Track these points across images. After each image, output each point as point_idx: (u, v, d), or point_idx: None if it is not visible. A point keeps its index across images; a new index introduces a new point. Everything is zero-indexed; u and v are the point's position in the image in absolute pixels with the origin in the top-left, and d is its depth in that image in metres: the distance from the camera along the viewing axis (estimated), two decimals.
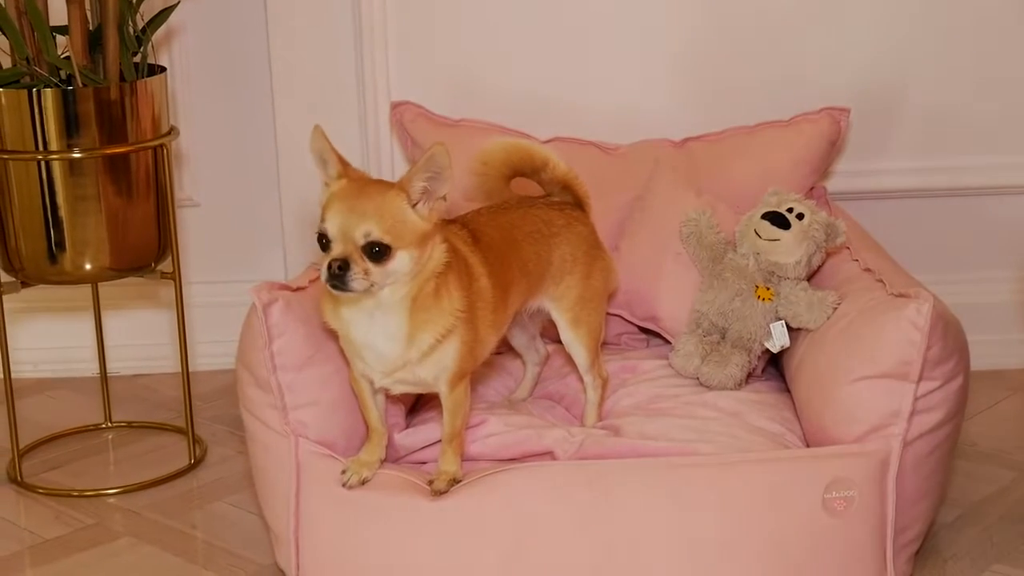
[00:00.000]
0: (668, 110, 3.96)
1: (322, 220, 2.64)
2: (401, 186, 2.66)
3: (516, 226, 3.07)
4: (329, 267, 2.59)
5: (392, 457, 2.98)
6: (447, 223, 2.95)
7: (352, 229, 2.60)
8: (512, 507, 2.80)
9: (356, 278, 2.58)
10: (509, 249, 3.00)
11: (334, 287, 2.60)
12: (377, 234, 2.60)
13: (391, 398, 2.98)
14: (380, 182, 2.75)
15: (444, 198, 2.69)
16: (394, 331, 2.72)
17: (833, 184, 3.95)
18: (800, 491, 2.76)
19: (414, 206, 2.66)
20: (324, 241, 2.62)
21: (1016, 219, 4.05)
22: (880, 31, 3.95)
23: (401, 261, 2.63)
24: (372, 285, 2.61)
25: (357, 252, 2.59)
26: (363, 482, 2.85)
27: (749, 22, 3.96)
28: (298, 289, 3.00)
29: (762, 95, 3.94)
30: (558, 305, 3.15)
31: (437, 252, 2.72)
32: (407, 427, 3.13)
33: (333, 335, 2.86)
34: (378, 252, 2.60)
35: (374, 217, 2.61)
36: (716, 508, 2.77)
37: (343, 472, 2.86)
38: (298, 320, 2.91)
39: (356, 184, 2.69)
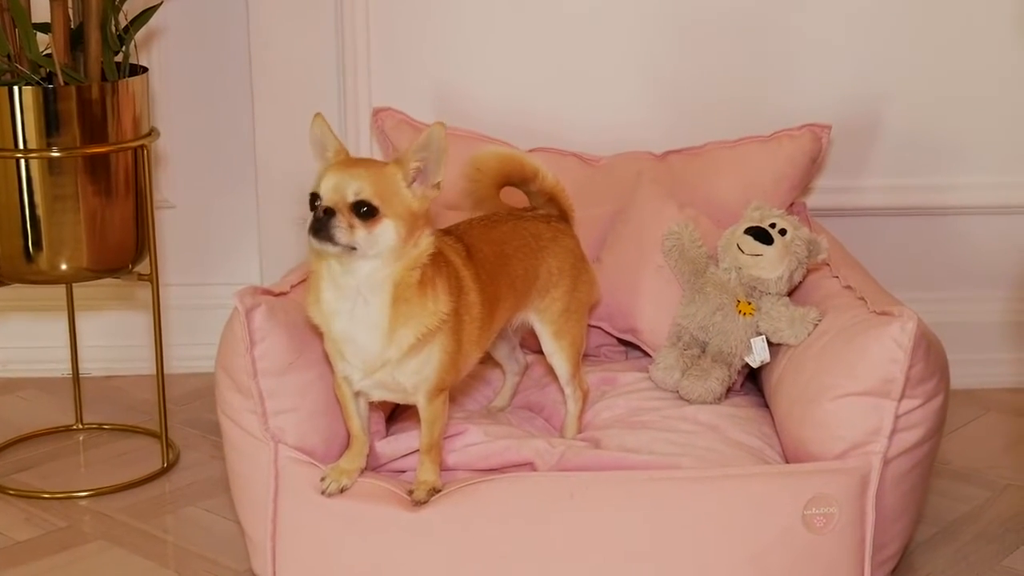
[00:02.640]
0: (649, 123, 3.97)
1: (316, 184, 2.67)
2: (397, 162, 2.70)
3: (507, 241, 3.07)
4: (315, 212, 2.61)
5: (371, 464, 2.97)
6: (442, 233, 2.95)
7: (344, 187, 2.63)
8: (492, 518, 2.79)
9: (340, 227, 2.60)
10: (500, 265, 3.01)
11: (317, 235, 2.61)
12: (367, 194, 2.62)
13: (372, 405, 2.96)
14: (378, 159, 2.78)
15: (438, 187, 2.70)
16: (376, 320, 2.70)
17: (813, 200, 3.97)
18: (780, 506, 2.77)
19: (409, 185, 2.68)
20: (316, 202, 2.64)
21: (994, 239, 4.07)
22: (862, 49, 3.97)
23: (387, 230, 2.64)
24: (354, 247, 2.62)
25: (346, 207, 2.62)
26: (342, 490, 2.84)
27: (732, 37, 3.97)
28: (280, 294, 2.99)
29: (744, 110, 3.95)
30: (542, 317, 3.15)
31: (424, 242, 2.72)
32: (387, 434, 3.12)
33: (317, 337, 2.85)
34: (366, 212, 2.62)
35: (367, 179, 2.64)
36: (696, 522, 2.77)
37: (322, 479, 2.84)
38: (280, 325, 2.89)
39: (354, 157, 2.75)
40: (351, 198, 2.62)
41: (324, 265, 2.71)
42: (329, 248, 2.62)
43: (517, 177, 3.21)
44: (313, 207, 2.64)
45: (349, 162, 2.71)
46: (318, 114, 2.76)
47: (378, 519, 2.81)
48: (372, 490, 2.85)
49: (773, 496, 2.77)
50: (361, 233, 2.62)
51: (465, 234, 3.00)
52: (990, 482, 3.53)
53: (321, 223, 2.60)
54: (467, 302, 2.86)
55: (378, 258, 2.66)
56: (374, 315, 2.70)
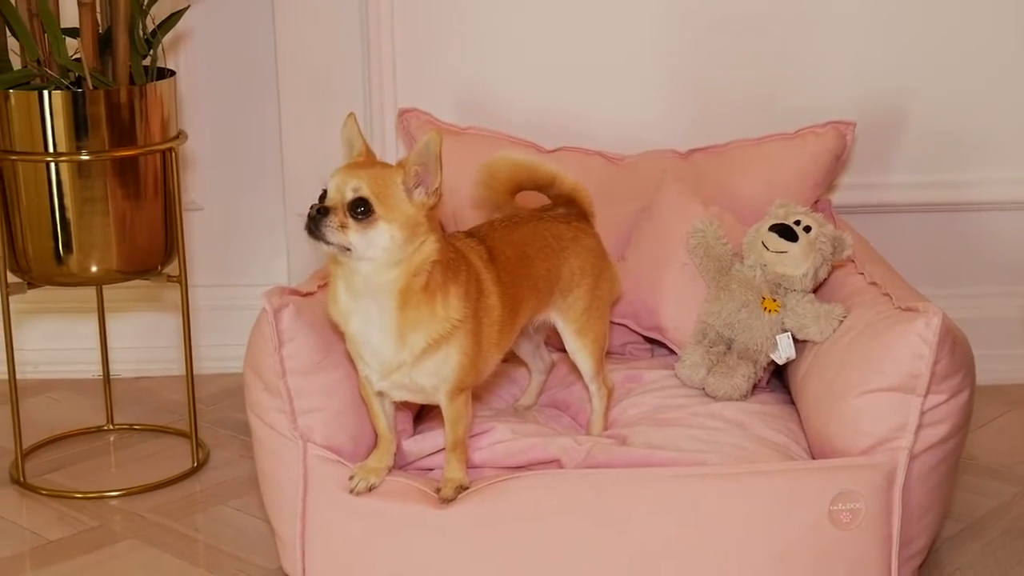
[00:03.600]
0: (674, 121, 3.97)
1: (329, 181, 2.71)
2: (401, 165, 2.72)
3: (528, 242, 3.08)
4: (310, 210, 2.64)
5: (399, 463, 2.99)
6: (465, 235, 2.97)
7: (345, 185, 2.66)
8: (519, 515, 2.80)
9: (331, 227, 2.63)
10: (522, 267, 3.02)
11: (309, 232, 2.64)
12: (364, 192, 2.65)
13: (398, 404, 2.98)
14: (386, 162, 2.82)
15: (438, 193, 2.71)
16: (386, 323, 2.72)
17: (838, 197, 3.97)
18: (806, 503, 2.77)
19: (412, 189, 2.69)
20: (324, 196, 2.68)
21: (1018, 235, 4.06)
22: (887, 46, 3.96)
23: (382, 233, 2.65)
24: (348, 248, 2.64)
25: (343, 207, 2.64)
26: (371, 489, 2.86)
27: (756, 34, 3.97)
28: (308, 294, 3.01)
29: (768, 107, 3.95)
30: (564, 316, 3.16)
31: (427, 248, 2.72)
32: (414, 433, 3.13)
33: (341, 336, 2.87)
34: (362, 212, 2.64)
35: (367, 179, 2.66)
36: (723, 519, 2.77)
37: (351, 478, 2.86)
38: (308, 325, 2.91)
39: (369, 158, 2.77)
40: (349, 195, 2.64)
41: (337, 265, 2.74)
42: (322, 246, 2.66)
43: (531, 183, 3.22)
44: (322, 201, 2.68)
45: (358, 163, 2.74)
46: (351, 114, 2.79)
47: (406, 517, 2.83)
48: (400, 488, 2.87)
49: (799, 492, 2.78)
50: (355, 234, 2.63)
51: (487, 236, 3.01)
52: (1018, 478, 3.52)
53: (314, 221, 2.63)
54: (487, 305, 2.87)
55: (374, 261, 2.67)
56: (385, 319, 2.72)
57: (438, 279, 2.74)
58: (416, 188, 2.69)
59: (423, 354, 2.76)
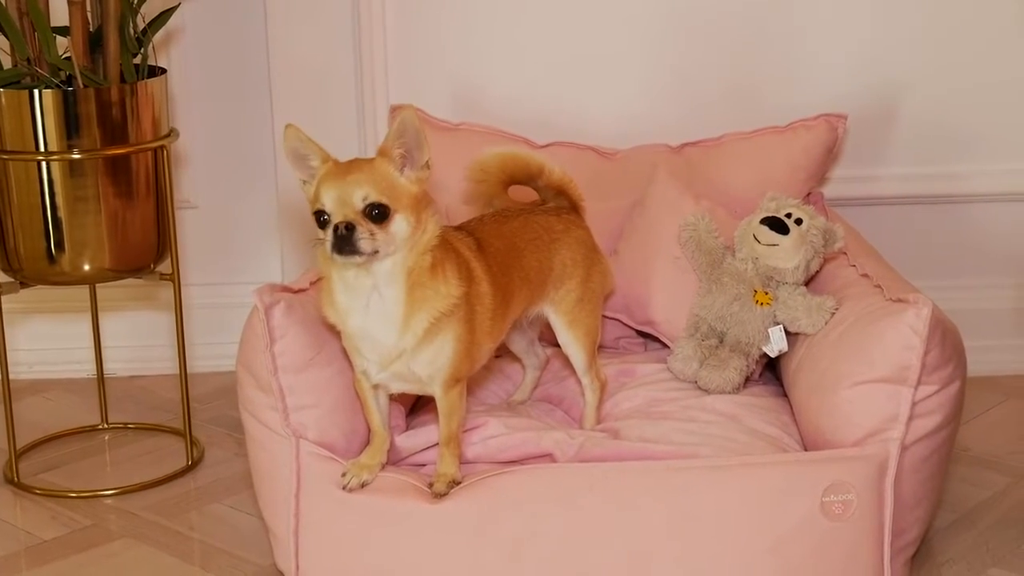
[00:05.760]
0: (666, 116, 3.97)
1: (317, 200, 2.69)
2: (383, 153, 2.72)
3: (518, 235, 3.09)
4: (336, 230, 2.63)
5: (392, 459, 2.99)
6: (453, 229, 2.97)
7: (350, 196, 2.65)
8: (512, 509, 2.80)
9: (363, 238, 2.63)
10: (512, 259, 3.03)
11: (341, 250, 2.63)
12: (375, 196, 2.65)
13: (392, 399, 2.98)
14: (364, 158, 2.81)
15: (428, 165, 2.73)
16: (391, 310, 2.73)
17: (830, 190, 3.97)
18: (799, 495, 2.77)
19: (402, 170, 2.71)
20: (323, 218, 2.67)
21: (1010, 226, 4.06)
22: (878, 38, 3.97)
23: (400, 224, 2.68)
24: (376, 251, 2.65)
25: (359, 216, 2.64)
26: (363, 485, 2.86)
27: (747, 28, 3.97)
28: (299, 291, 3.01)
29: (760, 101, 3.95)
30: (556, 308, 3.17)
31: (431, 225, 2.75)
32: (407, 429, 3.14)
33: (335, 334, 2.87)
34: (378, 214, 2.65)
35: (369, 182, 2.67)
36: (715, 511, 2.78)
37: (344, 475, 2.87)
38: (299, 322, 2.91)
39: (342, 163, 2.75)
40: (360, 204, 2.65)
41: (335, 269, 2.74)
42: (356, 260, 2.65)
43: (522, 176, 3.24)
44: (322, 224, 2.67)
45: (341, 170, 2.71)
46: (289, 125, 2.77)
47: (399, 512, 2.83)
48: (393, 484, 2.87)
49: (792, 484, 2.78)
50: (380, 235, 2.65)
51: (476, 229, 3.03)
52: (1010, 468, 3.53)
53: (344, 239, 2.62)
54: (478, 292, 2.88)
55: (396, 253, 2.69)
56: (389, 307, 2.73)
57: (439, 257, 2.77)
58: (404, 168, 2.72)
59: (424, 337, 2.76)
